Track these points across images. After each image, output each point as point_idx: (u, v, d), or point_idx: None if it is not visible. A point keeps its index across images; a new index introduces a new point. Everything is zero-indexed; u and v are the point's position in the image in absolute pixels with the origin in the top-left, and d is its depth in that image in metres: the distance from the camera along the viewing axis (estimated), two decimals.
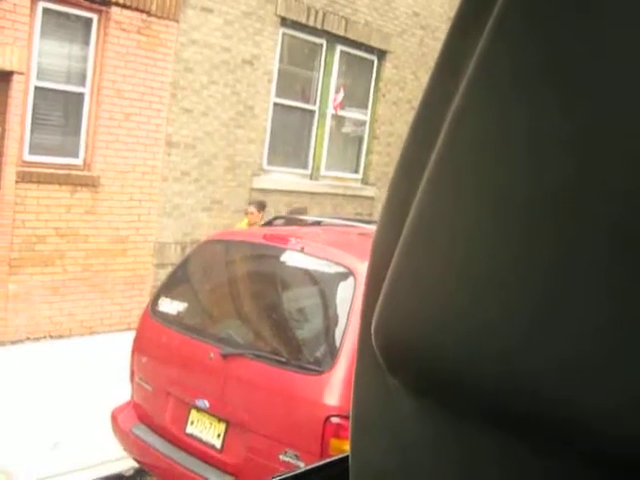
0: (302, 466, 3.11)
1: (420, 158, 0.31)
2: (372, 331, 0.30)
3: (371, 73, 10.30)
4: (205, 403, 3.76)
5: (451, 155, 0.28)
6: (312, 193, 9.65)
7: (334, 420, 3.21)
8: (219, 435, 3.72)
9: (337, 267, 3.67)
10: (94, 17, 7.14)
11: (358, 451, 0.35)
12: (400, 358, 0.29)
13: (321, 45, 9.50)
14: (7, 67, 6.40)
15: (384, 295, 0.29)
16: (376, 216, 8.49)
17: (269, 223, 4.85)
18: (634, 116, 0.23)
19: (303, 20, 9.00)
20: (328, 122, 9.80)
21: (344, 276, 3.61)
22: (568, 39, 0.25)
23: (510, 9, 0.27)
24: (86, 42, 7.18)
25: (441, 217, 0.28)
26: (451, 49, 0.32)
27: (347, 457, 0.36)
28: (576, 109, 0.24)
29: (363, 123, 10.41)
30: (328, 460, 0.61)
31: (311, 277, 3.97)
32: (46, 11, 6.80)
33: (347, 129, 10.30)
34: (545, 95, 0.25)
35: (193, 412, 3.86)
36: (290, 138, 9.44)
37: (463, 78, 0.28)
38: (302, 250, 3.84)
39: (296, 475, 0.65)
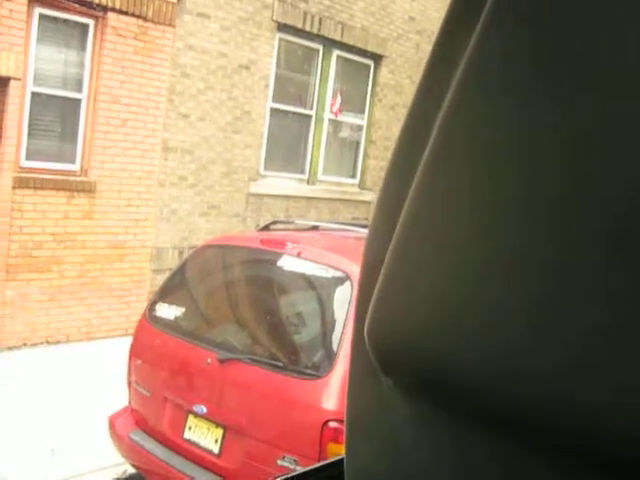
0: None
1: (412, 158, 0.30)
2: (365, 331, 0.30)
3: (367, 78, 10.30)
4: (202, 408, 3.75)
5: (444, 155, 0.28)
6: (309, 198, 9.64)
7: (332, 425, 3.20)
8: (217, 440, 3.71)
9: (334, 271, 3.66)
10: (91, 23, 7.14)
11: (353, 453, 0.35)
12: (393, 359, 0.28)
13: (318, 50, 9.50)
14: (4, 73, 6.39)
15: (377, 295, 0.29)
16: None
17: (266, 228, 4.83)
18: (631, 114, 0.23)
19: (300, 25, 9.00)
20: (325, 127, 9.80)
21: (341, 280, 3.60)
22: (560, 36, 0.25)
23: (501, 7, 0.27)
24: (83, 48, 7.17)
25: (434, 218, 0.27)
26: (442, 49, 0.31)
27: (342, 459, 0.36)
28: (570, 107, 0.24)
29: (360, 128, 10.41)
30: (324, 463, 0.61)
31: (308, 282, 3.96)
32: (42, 17, 6.79)
33: (344, 134, 10.29)
34: (538, 93, 0.25)
35: (190, 417, 3.84)
36: (287, 143, 9.43)
37: (455, 77, 0.28)
38: (299, 255, 3.83)
39: (293, 477, 0.65)
